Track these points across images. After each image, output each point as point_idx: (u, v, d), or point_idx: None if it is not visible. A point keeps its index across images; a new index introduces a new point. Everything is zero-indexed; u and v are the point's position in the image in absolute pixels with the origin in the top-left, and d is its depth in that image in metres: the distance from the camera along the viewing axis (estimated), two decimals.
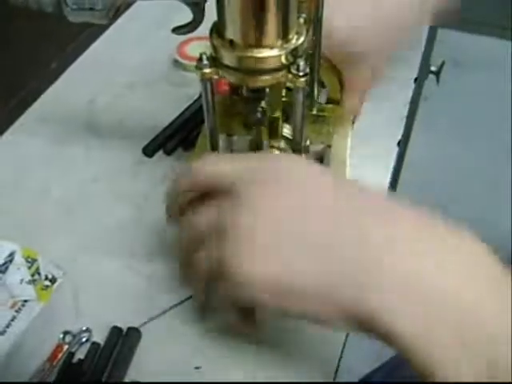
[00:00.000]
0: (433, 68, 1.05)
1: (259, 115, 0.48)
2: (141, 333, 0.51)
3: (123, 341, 0.50)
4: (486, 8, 2.07)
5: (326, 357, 0.49)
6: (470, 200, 1.70)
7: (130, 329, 0.51)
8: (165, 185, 0.62)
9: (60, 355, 0.49)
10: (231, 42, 0.42)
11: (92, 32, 0.81)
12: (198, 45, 0.77)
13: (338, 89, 0.62)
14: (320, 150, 0.61)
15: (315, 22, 0.54)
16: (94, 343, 0.50)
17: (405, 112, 0.71)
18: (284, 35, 0.42)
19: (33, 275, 0.49)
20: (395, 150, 0.66)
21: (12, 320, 0.46)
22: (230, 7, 0.40)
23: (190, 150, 0.66)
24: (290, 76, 0.43)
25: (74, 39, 0.78)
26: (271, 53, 0.42)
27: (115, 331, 0.51)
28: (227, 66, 0.43)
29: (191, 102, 0.72)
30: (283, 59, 0.42)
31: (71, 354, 0.49)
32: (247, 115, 0.49)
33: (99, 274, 0.55)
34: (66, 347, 0.50)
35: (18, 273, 0.49)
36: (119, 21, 0.83)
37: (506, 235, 1.51)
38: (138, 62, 0.79)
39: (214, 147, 0.49)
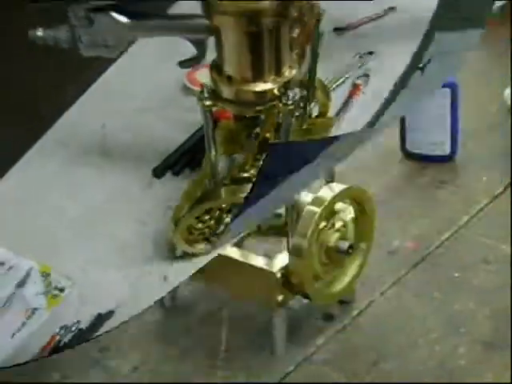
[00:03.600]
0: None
1: (253, 137, 0.51)
2: None
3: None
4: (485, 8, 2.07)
5: None
6: None
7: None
8: (171, 205, 0.66)
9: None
10: (229, 77, 0.46)
11: (104, 61, 0.85)
12: (207, 71, 0.80)
13: (327, 103, 0.65)
14: None
15: (311, 53, 0.58)
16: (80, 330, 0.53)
17: None
18: (277, 70, 0.46)
19: (47, 287, 0.53)
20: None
21: (22, 326, 0.50)
22: (227, 47, 0.44)
23: (197, 170, 0.69)
24: (280, 105, 0.46)
25: (88, 68, 0.82)
26: (265, 86, 0.46)
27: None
28: (225, 99, 0.46)
29: (199, 126, 0.75)
30: (276, 91, 0.46)
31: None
32: (244, 137, 0.52)
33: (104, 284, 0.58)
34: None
35: (35, 287, 0.53)
36: (130, 49, 0.86)
37: None
38: (148, 89, 0.82)
39: (213, 168, 0.52)
